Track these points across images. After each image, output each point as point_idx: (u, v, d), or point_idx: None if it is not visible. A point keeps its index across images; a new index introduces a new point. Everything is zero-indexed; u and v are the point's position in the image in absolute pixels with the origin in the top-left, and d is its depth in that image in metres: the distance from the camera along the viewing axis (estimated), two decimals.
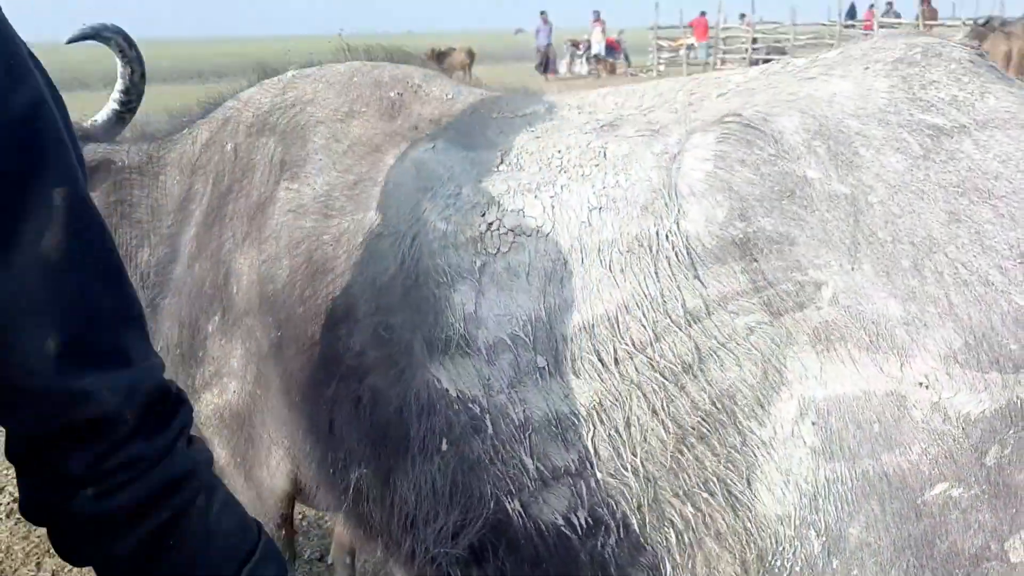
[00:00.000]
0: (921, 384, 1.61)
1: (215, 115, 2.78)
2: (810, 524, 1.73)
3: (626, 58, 37.04)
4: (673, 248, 1.79)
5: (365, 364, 2.16)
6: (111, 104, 2.76)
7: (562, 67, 35.72)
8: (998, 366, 1.57)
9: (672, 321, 1.80)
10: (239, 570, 1.29)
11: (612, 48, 35.91)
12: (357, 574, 3.61)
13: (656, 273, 1.81)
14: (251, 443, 2.55)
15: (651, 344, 1.83)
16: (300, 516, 4.29)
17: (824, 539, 1.72)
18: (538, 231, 2.00)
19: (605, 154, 2.03)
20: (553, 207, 2.01)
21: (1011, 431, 1.58)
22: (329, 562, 3.95)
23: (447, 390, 2.04)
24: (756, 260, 1.73)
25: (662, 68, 34.80)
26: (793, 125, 1.81)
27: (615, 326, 1.86)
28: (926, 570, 1.66)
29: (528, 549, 2.03)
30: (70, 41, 2.83)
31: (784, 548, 1.77)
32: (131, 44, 2.71)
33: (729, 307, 1.75)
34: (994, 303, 1.58)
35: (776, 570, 1.79)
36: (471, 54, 28.04)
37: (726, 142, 1.81)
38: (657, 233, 1.82)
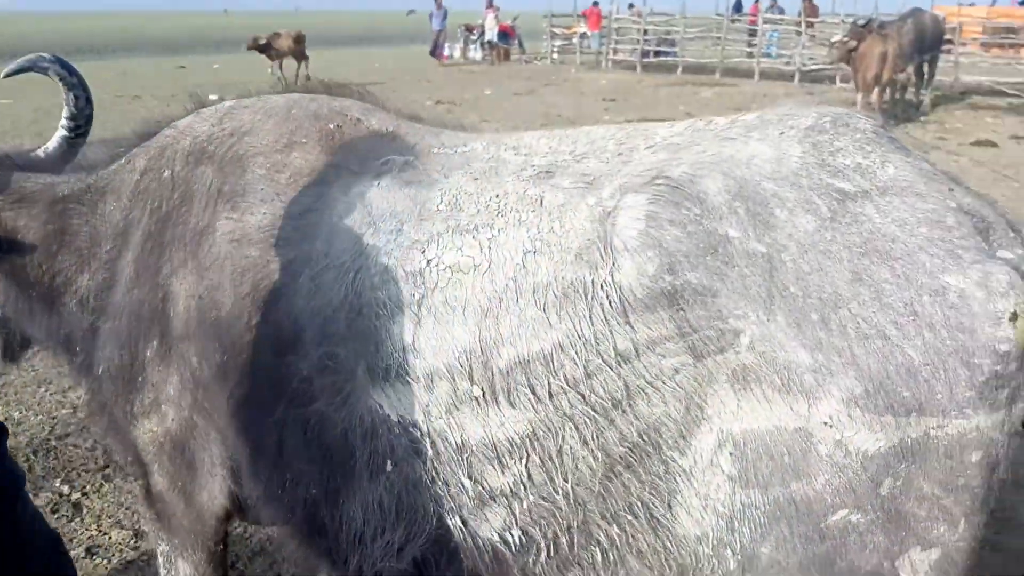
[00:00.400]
0: (826, 424, 1.81)
1: (152, 143, 2.81)
2: (727, 544, 1.93)
3: (520, 44, 37.16)
4: (607, 296, 1.95)
5: (312, 390, 2.26)
6: (60, 132, 2.76)
7: (456, 52, 35.67)
8: (892, 411, 1.79)
9: (604, 361, 1.97)
10: (52, 557, 1.71)
11: (506, 34, 35.82)
12: None
13: (591, 317, 1.97)
14: (191, 468, 2.60)
15: (584, 381, 1.99)
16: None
17: (739, 557, 1.92)
18: (475, 269, 2.13)
19: (542, 202, 2.17)
20: (490, 248, 2.15)
21: (902, 466, 1.81)
22: None
23: (389, 415, 2.16)
24: (682, 309, 1.90)
25: (556, 56, 35.09)
26: (716, 187, 1.99)
27: (550, 363, 2.02)
28: None
29: (467, 563, 2.19)
30: (7, 75, 2.83)
31: (703, 565, 1.97)
32: (71, 71, 2.70)
33: (657, 350, 1.93)
34: (890, 355, 1.79)
35: None
36: (299, 39, 25.20)
37: (657, 203, 1.97)
38: (592, 282, 1.97)
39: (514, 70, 30.51)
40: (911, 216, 1.91)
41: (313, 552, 2.46)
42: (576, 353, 1.99)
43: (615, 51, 32.54)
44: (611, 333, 1.96)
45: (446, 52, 34.24)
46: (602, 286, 1.96)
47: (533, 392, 2.03)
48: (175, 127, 2.81)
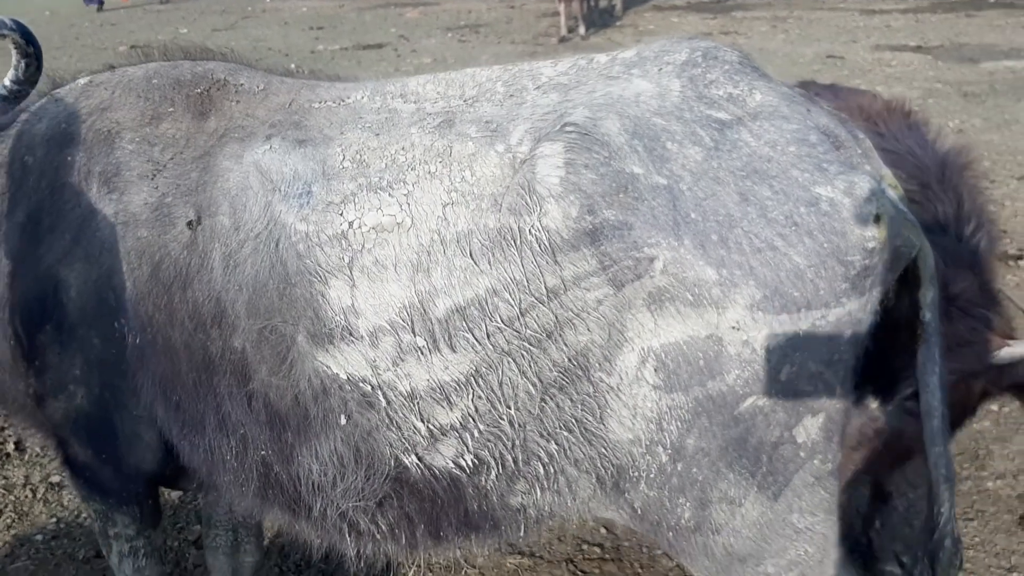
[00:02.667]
0: (734, 328, 2.11)
1: (9, 132, 2.72)
2: (658, 442, 2.22)
3: None
4: (537, 241, 2.16)
5: (251, 363, 2.36)
6: (2, 85, 2.67)
7: None
8: (786, 309, 2.10)
9: (535, 299, 2.19)
10: None
11: None
12: None
13: (521, 261, 2.18)
14: (115, 439, 2.66)
15: (518, 319, 2.21)
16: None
17: (669, 451, 2.22)
18: (399, 227, 2.28)
19: (451, 152, 2.32)
20: (409, 204, 2.29)
21: (797, 354, 2.13)
22: None
23: (338, 375, 2.31)
24: (602, 244, 2.13)
25: None
26: (616, 128, 2.20)
27: (485, 307, 2.21)
28: (743, 458, 2.21)
29: (426, 491, 2.40)
30: None
31: (639, 462, 2.26)
32: (29, 40, 2.60)
33: (582, 284, 2.16)
34: (780, 263, 2.10)
35: (635, 479, 2.28)
36: None
37: (572, 150, 2.17)
38: (520, 228, 2.17)
39: (204, 4, 27.39)
40: (780, 137, 2.19)
41: (271, 506, 2.58)
42: (510, 295, 2.19)
43: None
44: (541, 273, 2.17)
45: None
46: (530, 231, 2.16)
47: (472, 335, 2.23)
48: (27, 111, 2.74)
